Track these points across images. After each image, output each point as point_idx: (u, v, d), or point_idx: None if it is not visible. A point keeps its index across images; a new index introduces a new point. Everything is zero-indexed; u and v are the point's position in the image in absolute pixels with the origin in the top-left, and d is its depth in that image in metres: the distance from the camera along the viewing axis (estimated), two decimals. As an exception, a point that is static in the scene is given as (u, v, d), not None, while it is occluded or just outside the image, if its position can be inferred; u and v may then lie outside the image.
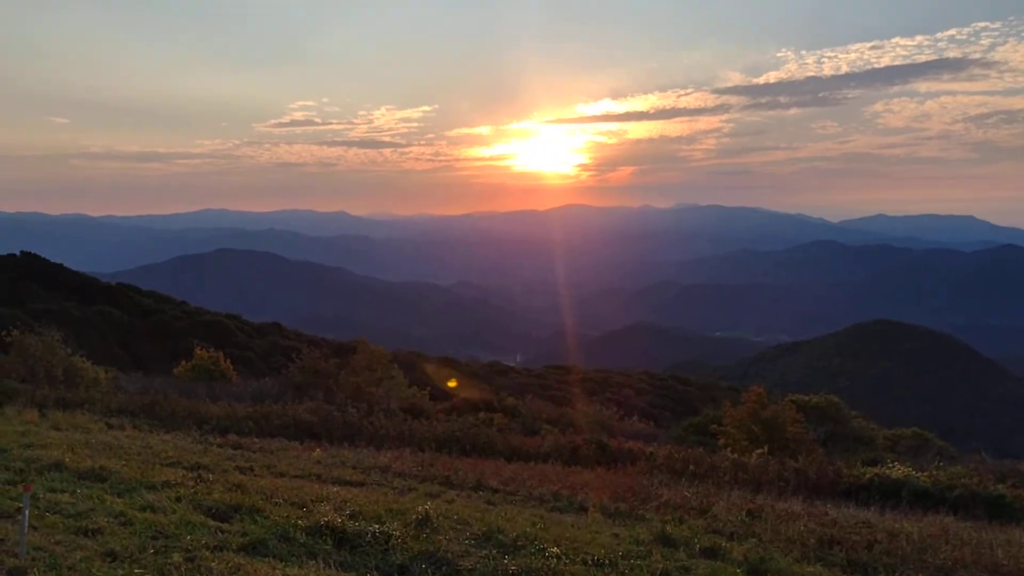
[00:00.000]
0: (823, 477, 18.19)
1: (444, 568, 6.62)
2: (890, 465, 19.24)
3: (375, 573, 6.43)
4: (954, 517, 14.62)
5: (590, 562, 7.09)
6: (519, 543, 7.56)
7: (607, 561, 7.16)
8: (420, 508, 8.49)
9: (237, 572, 5.95)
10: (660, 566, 7.27)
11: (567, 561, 7.01)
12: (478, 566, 6.70)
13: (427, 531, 7.68)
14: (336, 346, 61.52)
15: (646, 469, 16.55)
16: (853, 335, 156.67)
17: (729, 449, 22.46)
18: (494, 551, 7.25)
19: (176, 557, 6.22)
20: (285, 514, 7.94)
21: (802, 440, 24.39)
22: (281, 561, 6.46)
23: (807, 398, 34.40)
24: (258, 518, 7.71)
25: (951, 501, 16.78)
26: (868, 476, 17.83)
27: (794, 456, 20.59)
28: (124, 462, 10.65)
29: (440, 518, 8.30)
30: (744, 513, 11.03)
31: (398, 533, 7.31)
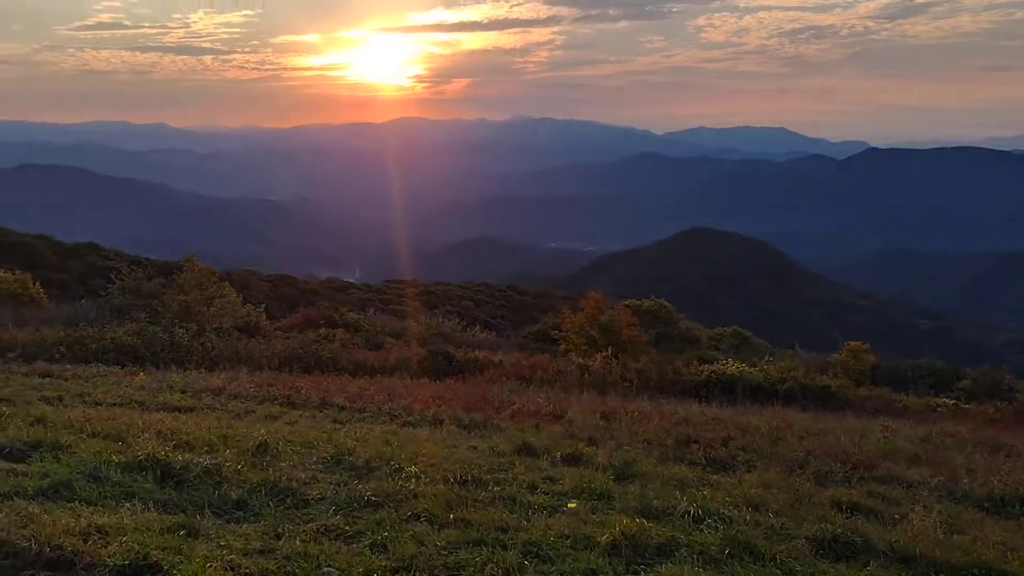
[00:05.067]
0: (664, 377, 18.67)
1: (289, 499, 5.86)
2: (724, 362, 20.04)
3: (207, 511, 5.56)
4: (786, 408, 15.29)
5: (452, 480, 6.53)
6: (372, 464, 6.90)
7: (470, 477, 6.64)
8: (258, 432, 7.63)
9: (30, 523, 4.92)
10: (526, 478, 6.84)
11: (427, 481, 6.43)
12: (328, 494, 5.99)
13: (267, 458, 6.86)
14: (161, 266, 57.41)
15: (495, 377, 16.29)
16: (677, 243, 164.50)
17: (572, 353, 22.72)
18: (345, 475, 6.56)
19: (-47, 510, 5.11)
20: (97, 449, 6.87)
21: (637, 342, 25.09)
22: (89, 505, 5.47)
23: (639, 303, 35.43)
24: (62, 456, 6.60)
25: (782, 394, 17.67)
26: (706, 374, 18.47)
27: (632, 358, 21.08)
28: None
29: (282, 442, 7.49)
30: (599, 417, 10.90)
31: (233, 463, 6.45)
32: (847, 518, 6.20)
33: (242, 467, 6.40)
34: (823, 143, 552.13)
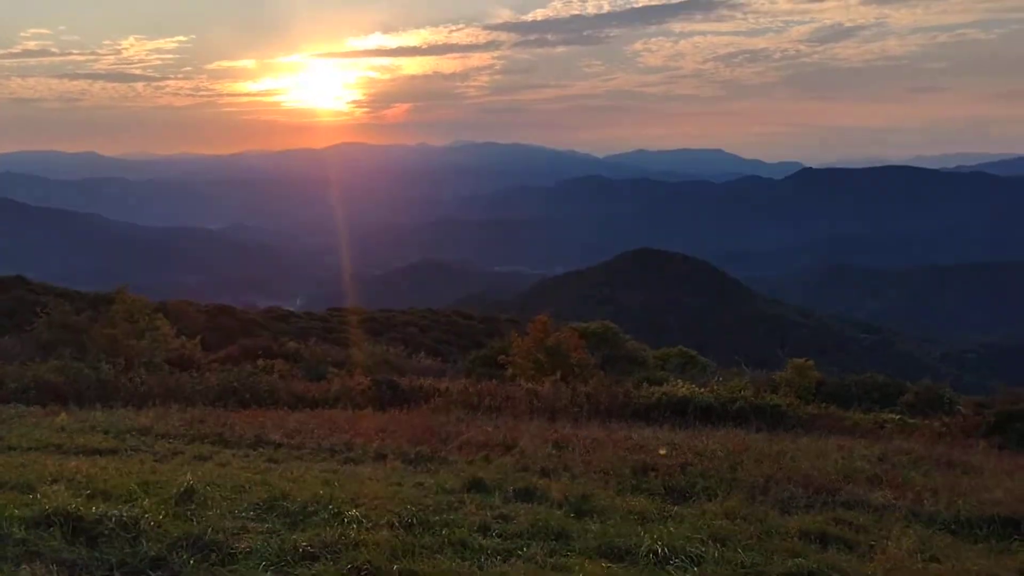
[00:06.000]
0: (614, 400, 18.31)
1: (214, 554, 5.27)
2: (674, 383, 19.79)
3: (117, 573, 4.97)
4: (738, 429, 15.07)
5: (397, 523, 6.01)
6: (309, 509, 6.34)
7: (416, 520, 6.12)
8: (184, 477, 7.00)
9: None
10: (477, 518, 6.35)
11: (369, 526, 5.89)
12: (258, 546, 5.41)
13: (192, 506, 6.25)
14: (92, 299, 55.47)
15: (442, 406, 15.75)
16: (620, 264, 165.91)
17: (522, 378, 22.29)
18: (278, 523, 5.99)
19: None
20: (1, 503, 6.18)
21: (585, 365, 24.81)
22: (-16, 571, 4.84)
23: (586, 325, 35.26)
24: (-40, 512, 5.90)
25: (733, 414, 17.45)
26: (656, 396, 18.17)
27: (581, 381, 20.73)
28: None
29: (209, 487, 6.87)
30: (551, 445, 10.47)
31: (152, 514, 5.83)
32: (819, 550, 5.85)
33: (163, 518, 5.78)
34: (759, 164, 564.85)
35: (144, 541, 5.39)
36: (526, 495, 7.42)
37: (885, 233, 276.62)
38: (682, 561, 5.41)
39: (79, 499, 6.16)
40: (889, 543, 5.86)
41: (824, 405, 20.84)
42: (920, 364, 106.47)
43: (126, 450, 9.99)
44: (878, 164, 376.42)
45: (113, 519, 5.64)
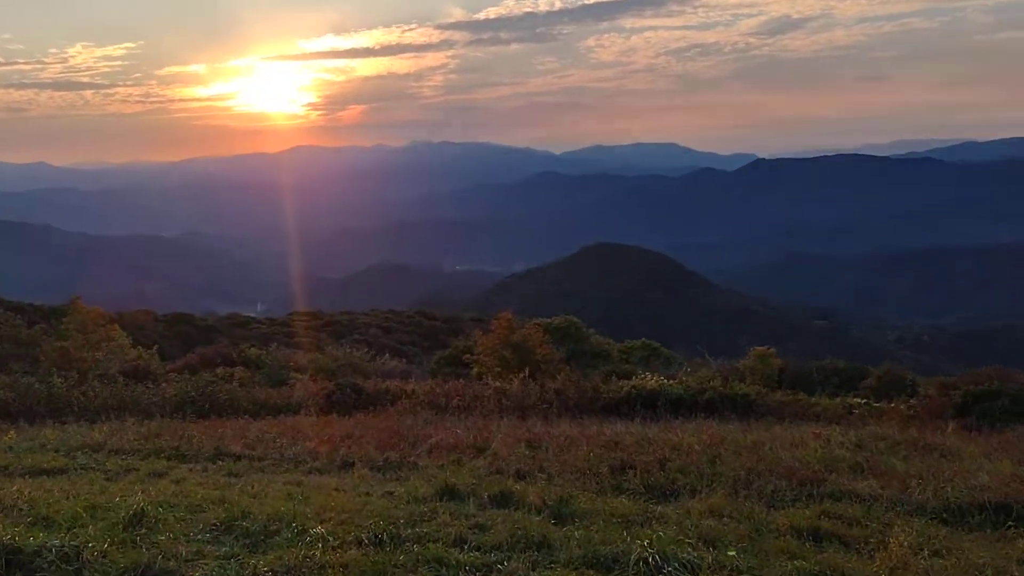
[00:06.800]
0: (583, 395, 18.03)
1: (165, 585, 4.82)
2: (643, 376, 19.56)
3: (57, 611, 4.50)
4: (710, 420, 14.88)
5: (366, 540, 5.59)
6: (271, 528, 5.89)
7: (386, 535, 5.71)
8: (135, 498, 6.51)
9: None
10: (452, 529, 5.96)
11: (336, 544, 5.47)
12: (214, 573, 4.97)
13: (142, 531, 5.77)
14: (46, 311, 53.99)
15: (409, 408, 15.31)
16: (580, 259, 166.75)
17: (488, 376, 21.96)
18: (237, 545, 5.54)
19: None
20: (-70, 535, 5.63)
21: (551, 360, 24.62)
22: (-95, 617, 4.34)
23: (549, 321, 35.02)
24: None
25: (703, 404, 17.25)
26: (626, 389, 17.90)
27: (548, 377, 20.45)
28: None
29: (162, 508, 6.39)
30: (524, 445, 10.11)
31: (97, 542, 5.35)
32: (815, 549, 5.56)
33: (108, 547, 5.29)
34: (714, 156, 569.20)
35: (87, 574, 4.91)
36: (502, 500, 7.04)
37: (837, 221, 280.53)
38: (675, 569, 5.05)
39: (18, 528, 5.66)
40: (889, 539, 5.58)
41: (791, 392, 20.82)
42: (875, 348, 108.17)
43: (76, 469, 9.43)
44: (829, 153, 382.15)
45: (53, 550, 5.16)
